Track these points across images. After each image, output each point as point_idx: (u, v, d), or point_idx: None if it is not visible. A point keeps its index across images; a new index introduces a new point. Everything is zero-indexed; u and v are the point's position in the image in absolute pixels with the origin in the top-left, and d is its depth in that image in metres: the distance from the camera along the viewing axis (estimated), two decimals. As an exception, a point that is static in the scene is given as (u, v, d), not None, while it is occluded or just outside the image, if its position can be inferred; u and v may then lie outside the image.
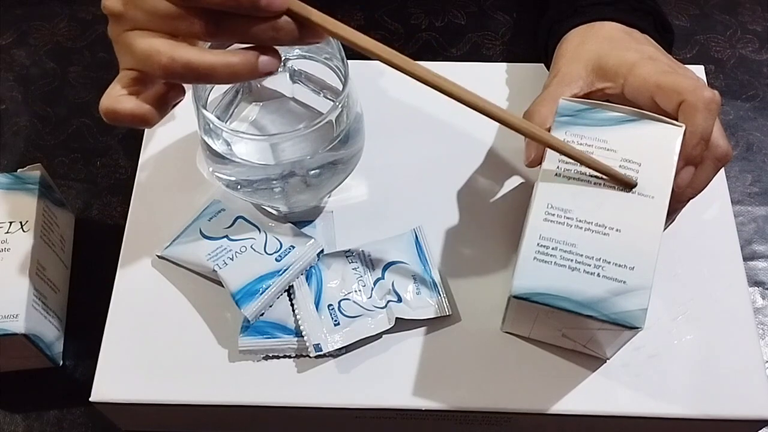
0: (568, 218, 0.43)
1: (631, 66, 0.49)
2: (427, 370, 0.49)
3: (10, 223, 0.54)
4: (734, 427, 0.48)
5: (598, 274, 0.42)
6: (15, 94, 0.69)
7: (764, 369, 0.49)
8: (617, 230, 0.42)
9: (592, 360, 0.49)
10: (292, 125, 0.51)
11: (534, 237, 0.43)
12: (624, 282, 0.41)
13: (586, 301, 0.41)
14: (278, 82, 0.52)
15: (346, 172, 0.51)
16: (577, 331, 0.44)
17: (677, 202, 0.46)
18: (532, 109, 0.50)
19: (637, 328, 0.41)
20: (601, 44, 0.52)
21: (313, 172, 0.49)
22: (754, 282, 0.60)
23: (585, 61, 0.51)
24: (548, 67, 0.56)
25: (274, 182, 0.49)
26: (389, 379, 0.48)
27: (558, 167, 0.45)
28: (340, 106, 0.46)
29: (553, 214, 0.43)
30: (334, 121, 0.47)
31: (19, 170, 0.57)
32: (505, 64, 0.62)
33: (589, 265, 0.42)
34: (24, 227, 0.54)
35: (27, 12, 0.74)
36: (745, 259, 0.57)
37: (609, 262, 0.42)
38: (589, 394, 0.48)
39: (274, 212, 0.53)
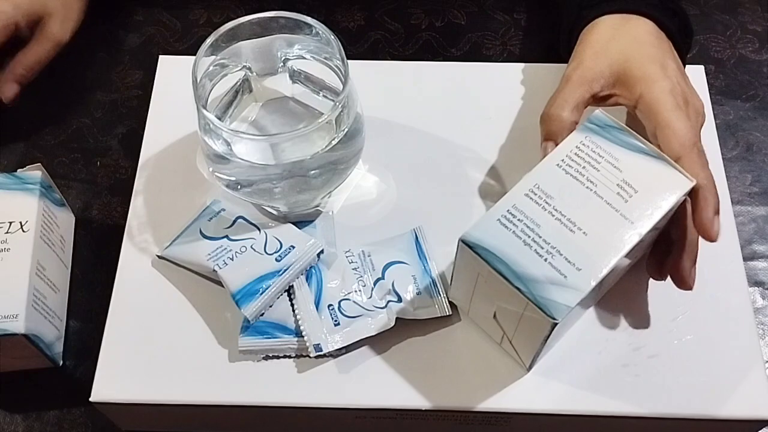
0: (546, 203, 0.44)
1: (651, 83, 0.49)
2: (427, 370, 0.49)
3: (10, 223, 0.54)
4: (734, 427, 0.48)
5: (546, 259, 0.42)
6: (15, 94, 0.69)
7: (764, 369, 0.49)
8: (584, 232, 0.43)
9: (592, 360, 0.49)
10: (292, 125, 0.51)
11: (507, 204, 0.44)
12: (565, 276, 0.42)
13: (522, 274, 0.42)
14: (278, 82, 0.52)
15: (346, 173, 0.51)
16: (507, 312, 0.45)
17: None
18: (553, 112, 0.50)
19: (555, 320, 0.41)
20: (630, 45, 0.51)
21: (312, 172, 0.49)
22: (754, 282, 0.60)
23: (611, 60, 0.51)
24: (566, 49, 0.56)
25: (274, 182, 0.49)
26: (389, 379, 0.48)
27: (563, 160, 0.45)
28: (340, 106, 0.46)
29: (536, 194, 0.44)
30: (334, 121, 0.47)
31: (19, 170, 0.57)
32: (505, 64, 0.62)
33: (542, 248, 0.43)
34: (24, 227, 0.54)
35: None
36: (745, 259, 0.57)
37: (561, 254, 0.42)
38: (589, 394, 0.48)
39: (274, 212, 0.53)
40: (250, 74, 0.52)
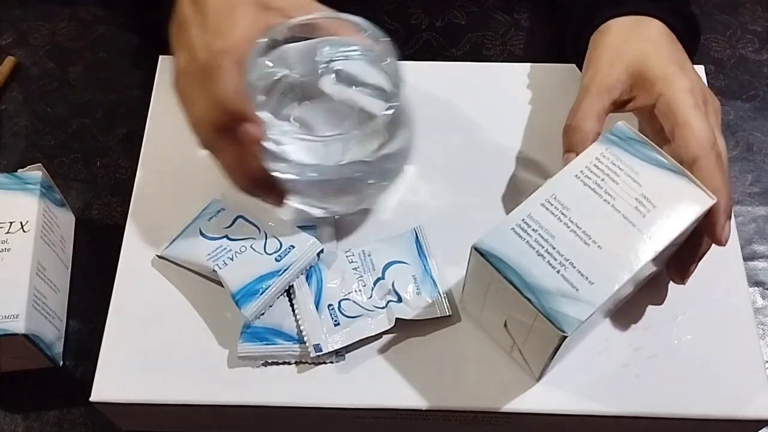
0: (563, 214, 0.44)
1: (671, 82, 0.49)
2: (427, 370, 0.49)
3: (11, 223, 0.54)
4: (734, 427, 0.48)
5: (558, 271, 0.42)
6: (15, 94, 0.69)
7: (764, 369, 0.49)
8: (599, 246, 0.43)
9: (592, 360, 0.49)
10: (339, 126, 0.50)
11: (522, 213, 0.44)
12: (577, 289, 0.42)
13: (534, 285, 0.42)
14: (323, 83, 0.51)
15: (397, 174, 0.51)
16: (517, 322, 0.45)
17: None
18: (576, 125, 0.50)
19: (565, 333, 0.41)
20: (646, 46, 0.51)
21: (360, 174, 0.48)
22: (754, 282, 0.60)
23: (628, 63, 0.51)
24: (574, 53, 0.56)
25: (323, 185, 0.48)
26: (389, 379, 0.48)
27: (581, 172, 0.45)
28: (393, 107, 0.45)
29: (552, 204, 0.44)
30: (386, 123, 0.46)
31: (19, 170, 0.57)
32: (505, 64, 0.62)
33: (556, 260, 0.42)
34: (24, 227, 0.54)
35: (27, 12, 0.74)
36: (745, 259, 0.57)
37: (574, 267, 0.42)
38: (590, 395, 0.48)
39: (320, 213, 0.52)
40: (295, 75, 0.51)
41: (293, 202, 0.50)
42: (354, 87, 0.51)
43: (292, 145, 0.47)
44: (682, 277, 0.49)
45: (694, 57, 0.55)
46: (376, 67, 0.50)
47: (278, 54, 0.49)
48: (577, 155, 0.47)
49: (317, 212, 0.52)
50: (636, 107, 0.51)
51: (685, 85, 0.49)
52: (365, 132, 0.45)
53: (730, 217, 0.47)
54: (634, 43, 0.51)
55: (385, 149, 0.47)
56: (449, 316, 0.50)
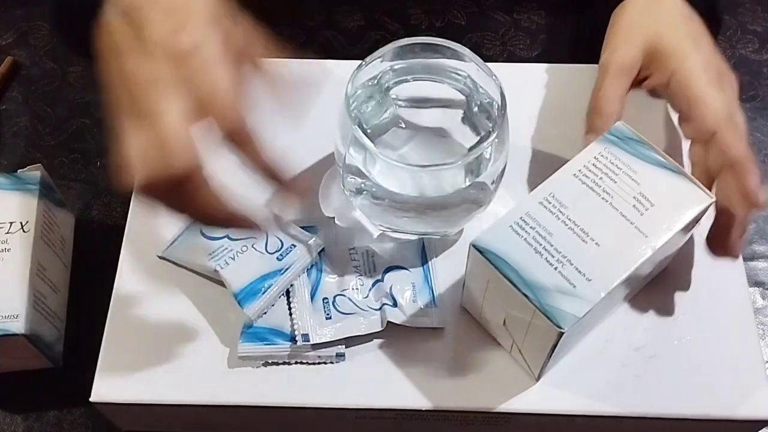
0: (560, 212, 0.44)
1: (685, 58, 0.49)
2: (427, 371, 0.48)
3: (11, 223, 0.54)
4: (734, 427, 0.48)
5: (556, 268, 0.42)
6: (15, 94, 0.69)
7: (764, 369, 0.49)
8: (597, 243, 0.43)
9: (592, 361, 0.49)
10: (432, 154, 0.50)
11: (520, 211, 0.44)
12: (574, 286, 0.42)
13: (531, 282, 0.42)
14: (397, 112, 0.50)
15: (485, 204, 0.50)
16: (516, 319, 0.45)
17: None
18: (599, 108, 0.50)
19: (561, 329, 0.41)
20: (662, 21, 0.51)
21: (453, 206, 0.48)
22: (754, 282, 0.60)
23: (643, 40, 0.50)
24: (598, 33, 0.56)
25: (409, 213, 0.48)
26: (389, 380, 0.48)
27: (580, 170, 0.45)
28: (494, 137, 0.45)
29: (550, 203, 0.44)
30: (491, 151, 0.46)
31: (19, 171, 0.57)
32: (505, 64, 0.62)
33: (553, 257, 0.42)
34: (24, 228, 0.54)
35: (27, 12, 0.74)
36: (745, 259, 0.57)
37: (572, 264, 0.42)
38: (590, 395, 0.48)
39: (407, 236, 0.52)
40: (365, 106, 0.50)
41: (406, 234, 0.49)
42: (429, 108, 0.51)
43: (378, 166, 0.46)
44: (728, 253, 0.48)
45: (717, 33, 0.55)
46: (451, 84, 0.50)
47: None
48: (598, 136, 0.47)
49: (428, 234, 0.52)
50: (652, 85, 0.51)
51: (698, 62, 0.48)
52: (464, 162, 0.45)
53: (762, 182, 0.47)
54: (649, 19, 0.51)
55: (483, 175, 0.47)
56: (441, 329, 0.49)
